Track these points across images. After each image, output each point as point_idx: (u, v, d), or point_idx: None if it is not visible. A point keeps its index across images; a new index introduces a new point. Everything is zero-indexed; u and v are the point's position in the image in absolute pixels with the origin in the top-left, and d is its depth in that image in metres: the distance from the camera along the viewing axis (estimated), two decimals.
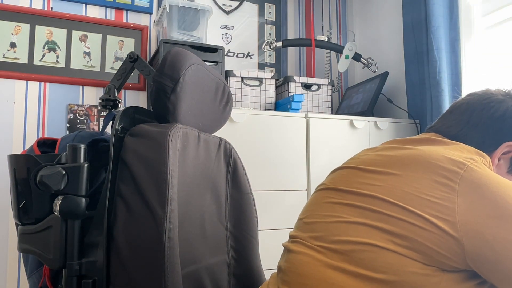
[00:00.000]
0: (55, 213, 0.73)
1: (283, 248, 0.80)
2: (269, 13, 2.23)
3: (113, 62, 1.88)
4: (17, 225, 0.80)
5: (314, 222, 0.72)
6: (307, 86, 1.92)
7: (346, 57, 2.00)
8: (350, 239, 0.64)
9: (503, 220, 0.58)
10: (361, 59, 2.02)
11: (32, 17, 1.76)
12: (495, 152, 0.76)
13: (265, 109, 1.84)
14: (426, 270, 0.59)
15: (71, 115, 1.78)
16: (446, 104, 1.63)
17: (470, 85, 1.67)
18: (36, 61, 1.76)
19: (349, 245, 0.63)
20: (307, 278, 0.66)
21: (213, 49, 1.71)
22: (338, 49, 2.05)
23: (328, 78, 2.02)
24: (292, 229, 0.80)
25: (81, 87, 1.82)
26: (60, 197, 0.73)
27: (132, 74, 1.07)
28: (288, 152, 1.60)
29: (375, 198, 0.65)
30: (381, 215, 0.63)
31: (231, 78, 1.80)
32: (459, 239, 0.58)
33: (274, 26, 2.23)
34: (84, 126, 1.80)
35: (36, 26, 1.77)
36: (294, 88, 1.88)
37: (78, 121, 1.79)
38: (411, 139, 0.78)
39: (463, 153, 0.68)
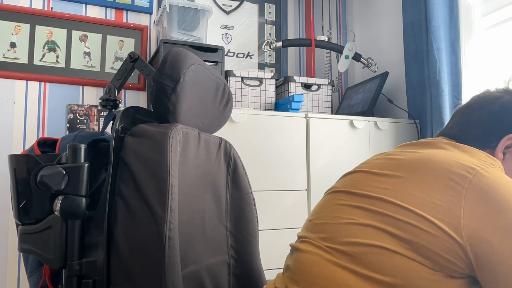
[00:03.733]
0: (56, 213, 0.73)
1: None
2: (269, 13, 2.23)
3: (113, 62, 1.88)
4: (17, 225, 0.80)
5: (324, 223, 0.72)
6: (307, 86, 1.92)
7: (346, 57, 2.00)
8: (358, 241, 0.64)
9: (506, 231, 0.58)
10: (361, 59, 2.02)
11: (32, 17, 1.76)
12: (497, 146, 0.76)
13: (265, 109, 1.84)
14: (433, 275, 0.59)
15: (71, 115, 1.78)
16: (446, 104, 1.63)
17: (470, 85, 1.67)
18: (36, 61, 1.76)
19: (358, 247, 0.63)
20: (316, 277, 0.66)
21: (213, 49, 1.71)
22: (338, 49, 2.05)
23: (328, 78, 2.02)
24: (300, 230, 0.80)
25: (81, 87, 1.82)
26: (60, 197, 0.73)
27: (132, 74, 1.07)
28: (288, 152, 1.60)
29: (384, 201, 0.65)
30: (389, 218, 0.63)
31: (231, 78, 1.80)
32: (463, 244, 0.58)
33: (274, 26, 2.23)
34: (84, 126, 1.80)
35: (36, 26, 1.77)
36: (294, 88, 1.88)
37: (78, 121, 1.79)
38: (422, 142, 0.79)
39: (474, 158, 0.67)
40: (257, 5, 2.20)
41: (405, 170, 0.67)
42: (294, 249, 0.76)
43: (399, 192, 0.64)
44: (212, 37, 2.05)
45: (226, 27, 2.12)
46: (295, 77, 1.89)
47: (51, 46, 1.79)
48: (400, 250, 0.60)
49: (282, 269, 0.80)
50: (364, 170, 0.74)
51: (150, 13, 1.97)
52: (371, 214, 0.65)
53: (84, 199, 0.74)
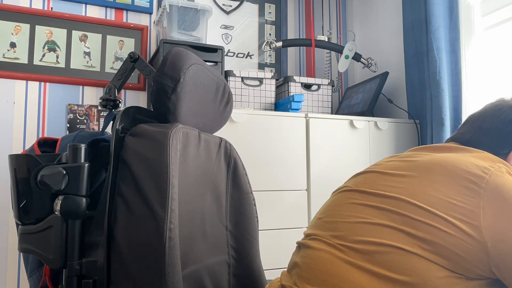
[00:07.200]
0: (56, 213, 0.73)
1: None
2: (269, 13, 2.23)
3: (113, 62, 1.88)
4: (17, 225, 0.80)
5: (336, 222, 0.72)
6: (307, 86, 1.92)
7: (346, 57, 2.00)
8: (374, 240, 0.64)
9: None
10: (361, 59, 2.02)
11: (32, 17, 1.76)
12: (510, 154, 0.78)
13: (265, 109, 1.84)
14: (450, 276, 0.59)
15: (71, 115, 1.78)
16: (446, 104, 1.63)
17: (470, 85, 1.67)
18: (36, 61, 1.76)
19: (373, 246, 0.63)
20: (328, 274, 0.65)
21: (213, 49, 1.71)
22: (338, 49, 2.05)
23: (328, 78, 2.02)
24: (307, 228, 0.80)
25: (81, 87, 1.82)
26: (60, 197, 0.73)
27: (132, 74, 1.07)
28: (288, 152, 1.60)
29: (400, 200, 0.65)
30: (406, 218, 0.63)
31: (231, 78, 1.80)
32: (484, 243, 0.58)
33: (274, 26, 2.23)
34: (84, 126, 1.79)
35: (36, 26, 1.76)
36: (294, 88, 1.88)
37: (78, 121, 1.79)
38: (435, 146, 0.80)
39: (486, 161, 0.68)
40: (257, 5, 2.20)
41: (421, 170, 0.68)
42: (302, 246, 0.75)
43: (415, 191, 0.65)
44: (212, 37, 2.05)
45: (226, 27, 2.12)
46: (295, 77, 1.89)
47: (51, 46, 1.79)
48: (417, 250, 0.60)
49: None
50: (377, 170, 0.74)
51: (150, 13, 1.97)
52: (388, 214, 0.65)
53: (84, 199, 0.74)
